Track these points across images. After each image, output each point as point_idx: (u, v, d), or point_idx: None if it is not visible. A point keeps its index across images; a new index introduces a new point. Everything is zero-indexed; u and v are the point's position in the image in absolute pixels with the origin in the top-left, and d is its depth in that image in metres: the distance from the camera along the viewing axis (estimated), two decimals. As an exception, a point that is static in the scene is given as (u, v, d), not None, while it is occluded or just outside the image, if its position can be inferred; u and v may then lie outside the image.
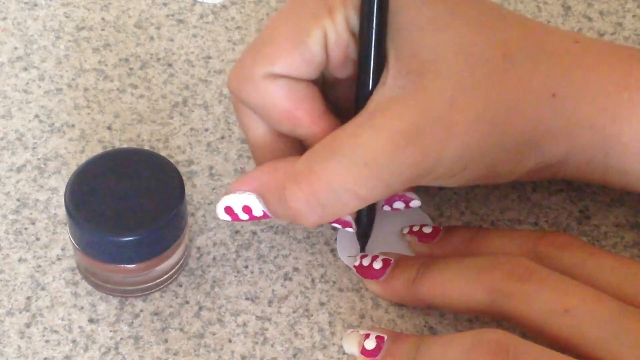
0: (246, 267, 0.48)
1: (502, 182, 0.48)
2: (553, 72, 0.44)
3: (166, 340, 0.45)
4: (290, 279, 0.48)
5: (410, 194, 0.47)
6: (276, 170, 0.44)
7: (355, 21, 0.43)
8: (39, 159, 0.51)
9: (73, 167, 0.51)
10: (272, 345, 0.45)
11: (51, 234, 0.49)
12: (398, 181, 0.43)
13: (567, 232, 0.49)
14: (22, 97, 0.54)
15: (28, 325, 0.46)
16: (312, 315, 0.46)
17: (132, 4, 0.59)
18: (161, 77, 0.55)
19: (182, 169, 0.51)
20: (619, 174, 0.45)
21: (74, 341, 0.45)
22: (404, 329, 0.46)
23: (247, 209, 0.44)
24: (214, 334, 0.46)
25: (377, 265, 0.46)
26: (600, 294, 0.41)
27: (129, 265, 0.45)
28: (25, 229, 0.49)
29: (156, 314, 0.46)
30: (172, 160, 0.49)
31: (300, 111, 0.44)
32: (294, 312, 0.47)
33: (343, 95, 0.46)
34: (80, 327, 0.46)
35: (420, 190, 0.50)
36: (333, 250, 0.49)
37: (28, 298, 0.47)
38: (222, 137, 0.53)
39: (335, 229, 0.49)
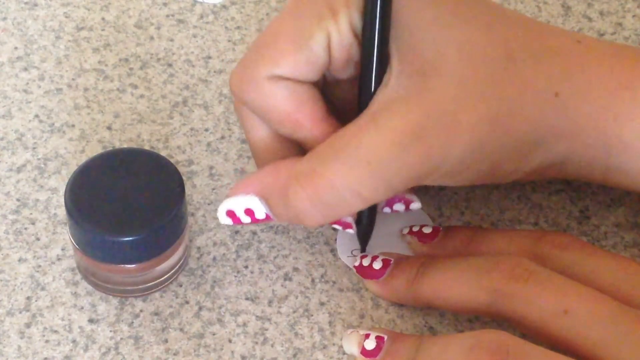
0: (246, 267, 0.48)
1: (505, 182, 0.48)
2: (556, 71, 0.44)
3: (166, 340, 0.45)
4: (290, 279, 0.48)
5: (410, 196, 0.47)
6: (278, 171, 0.44)
7: (358, 22, 0.43)
8: (39, 159, 0.52)
9: (73, 167, 0.51)
10: (272, 345, 0.45)
11: (51, 234, 0.49)
12: (401, 181, 0.42)
13: (567, 232, 0.49)
14: (22, 97, 0.54)
15: (28, 325, 0.46)
16: (312, 315, 0.46)
17: (132, 4, 0.59)
18: (161, 77, 0.55)
19: (182, 169, 0.51)
20: (621, 174, 0.45)
21: (74, 341, 0.45)
22: (404, 329, 0.46)
23: (249, 212, 0.44)
24: (214, 334, 0.46)
25: (377, 265, 0.46)
26: (600, 295, 0.41)
27: (129, 265, 0.45)
28: (25, 229, 0.49)
29: (156, 314, 0.46)
30: (172, 160, 0.49)
31: (301, 114, 0.44)
32: (294, 312, 0.47)
33: (344, 96, 0.46)
34: (80, 327, 0.46)
35: (420, 191, 0.50)
36: (333, 250, 0.49)
37: (28, 298, 0.47)
38: (222, 137, 0.53)
39: (335, 229, 0.49)
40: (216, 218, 0.49)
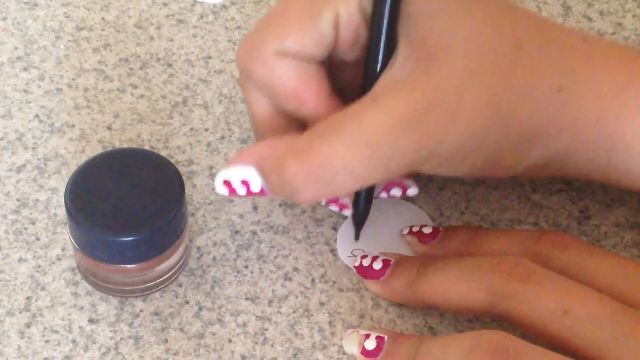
0: (246, 267, 0.48)
1: (504, 176, 0.48)
2: (560, 66, 0.44)
3: (166, 340, 0.45)
4: (290, 279, 0.48)
5: (407, 181, 0.47)
6: (277, 145, 0.44)
7: (367, 4, 0.43)
8: (39, 159, 0.52)
9: (73, 167, 0.51)
10: (272, 345, 0.45)
11: (51, 234, 0.49)
12: (398, 164, 0.42)
13: (567, 232, 0.49)
14: (22, 97, 0.54)
15: (28, 325, 0.46)
16: (312, 315, 0.46)
17: (132, 4, 0.59)
18: (161, 77, 0.55)
19: (182, 169, 0.51)
20: (621, 173, 0.45)
21: (74, 341, 0.45)
22: (404, 329, 0.46)
23: (245, 183, 0.44)
24: (214, 334, 0.46)
25: (377, 265, 0.47)
26: (599, 295, 0.41)
27: (129, 265, 0.45)
28: (25, 229, 0.49)
29: (156, 314, 0.46)
30: (172, 160, 0.49)
31: (306, 91, 0.44)
32: (294, 312, 0.47)
33: (348, 78, 0.46)
34: (80, 327, 0.46)
35: (420, 191, 0.50)
36: (333, 250, 0.49)
37: (28, 298, 0.47)
38: (222, 137, 0.53)
39: (326, 206, 0.48)
40: (216, 218, 0.49)
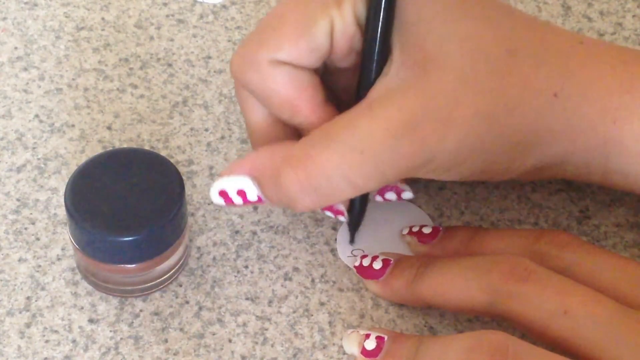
0: (246, 267, 0.48)
1: (500, 180, 0.48)
2: (556, 71, 0.44)
3: (166, 340, 0.45)
4: (290, 279, 0.48)
5: (402, 185, 0.47)
6: (272, 153, 0.44)
7: (362, 12, 0.43)
8: (39, 159, 0.52)
9: (73, 167, 0.51)
10: (272, 345, 0.45)
11: (51, 234, 0.49)
12: (393, 171, 0.43)
13: (567, 231, 0.49)
14: (22, 97, 0.54)
15: (28, 325, 0.46)
16: (312, 315, 0.46)
17: (132, 4, 0.59)
18: (161, 77, 0.55)
19: (182, 169, 0.51)
20: (619, 176, 0.45)
21: (74, 341, 0.45)
22: (404, 329, 0.46)
23: (241, 193, 0.44)
24: (214, 334, 0.46)
25: (377, 265, 0.47)
26: (599, 295, 0.41)
27: (129, 265, 0.45)
28: (25, 229, 0.49)
29: (156, 314, 0.46)
30: (172, 160, 0.49)
31: (300, 100, 0.44)
32: (294, 312, 0.47)
33: (343, 85, 0.46)
34: (80, 327, 0.46)
35: (420, 191, 0.50)
36: (333, 250, 0.49)
37: (28, 298, 0.47)
38: (222, 137, 0.53)
39: (321, 211, 0.48)
40: (216, 218, 0.49)
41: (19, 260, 0.48)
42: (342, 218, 0.46)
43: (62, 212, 0.49)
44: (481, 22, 0.43)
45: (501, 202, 0.51)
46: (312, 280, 0.48)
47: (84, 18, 0.58)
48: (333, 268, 0.48)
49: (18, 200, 0.50)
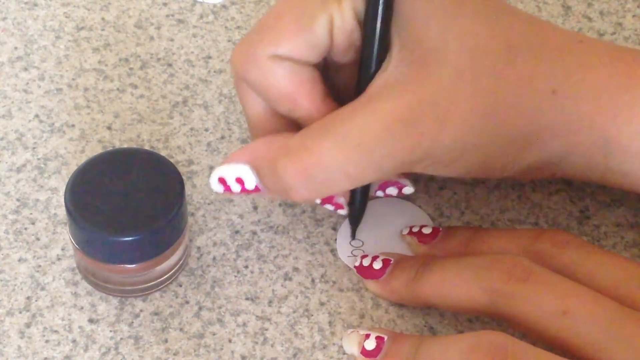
0: (246, 267, 0.48)
1: (499, 177, 0.48)
2: (555, 69, 0.44)
3: (166, 340, 0.46)
4: (290, 279, 0.48)
5: (403, 181, 0.47)
6: (271, 144, 0.44)
7: (361, 8, 0.44)
8: (39, 159, 0.52)
9: (73, 167, 0.51)
10: (272, 345, 0.45)
11: (51, 234, 0.49)
12: (390, 165, 0.43)
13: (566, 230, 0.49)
14: (22, 97, 0.54)
15: (28, 325, 0.46)
16: (312, 315, 0.46)
17: (132, 4, 0.59)
18: (161, 77, 0.55)
19: (182, 169, 0.51)
20: (619, 175, 0.45)
21: (74, 341, 0.45)
22: (404, 329, 0.46)
23: (239, 181, 0.45)
24: (214, 334, 0.46)
25: (377, 265, 0.47)
26: (599, 296, 0.41)
27: (129, 265, 0.45)
28: (25, 229, 0.49)
29: (156, 314, 0.46)
30: (172, 160, 0.49)
31: (300, 94, 0.45)
32: (294, 312, 0.47)
33: (343, 80, 0.47)
34: (80, 327, 0.46)
35: (420, 191, 0.50)
36: (333, 250, 0.49)
37: (28, 298, 0.47)
38: (222, 137, 0.53)
39: (321, 205, 0.48)
40: (216, 218, 0.49)
41: (19, 260, 0.48)
42: (341, 212, 0.46)
43: (62, 212, 0.49)
44: (480, 19, 0.43)
45: (501, 202, 0.51)
46: (312, 280, 0.48)
47: (84, 18, 0.58)
48: (333, 268, 0.48)
49: (18, 200, 0.50)
